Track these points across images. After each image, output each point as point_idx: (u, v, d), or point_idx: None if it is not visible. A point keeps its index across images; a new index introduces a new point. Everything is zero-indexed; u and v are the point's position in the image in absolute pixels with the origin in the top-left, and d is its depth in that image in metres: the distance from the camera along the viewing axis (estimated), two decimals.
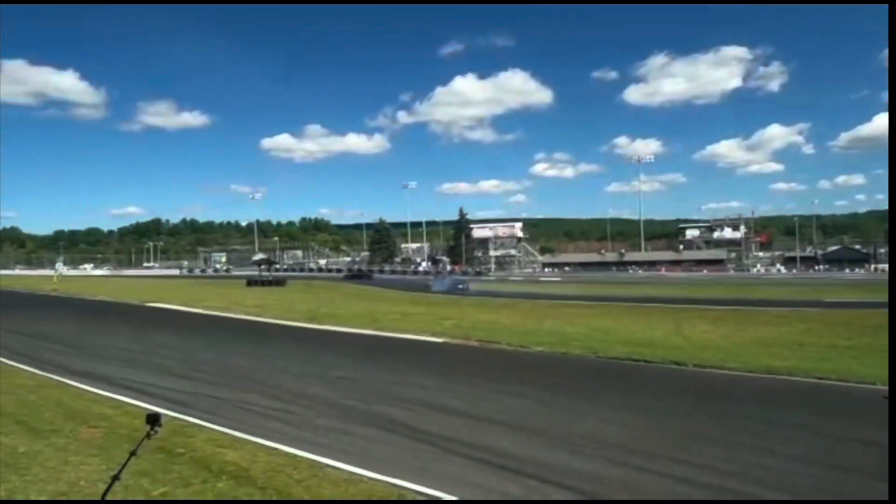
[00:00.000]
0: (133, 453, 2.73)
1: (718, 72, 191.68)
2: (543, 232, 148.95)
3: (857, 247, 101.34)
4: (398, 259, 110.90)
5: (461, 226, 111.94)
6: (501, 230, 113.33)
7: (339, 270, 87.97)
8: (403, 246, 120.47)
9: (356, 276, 74.28)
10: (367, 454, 6.73)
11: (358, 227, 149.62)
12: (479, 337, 16.85)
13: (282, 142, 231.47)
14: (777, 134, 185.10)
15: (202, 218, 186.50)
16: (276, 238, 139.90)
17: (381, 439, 7.44)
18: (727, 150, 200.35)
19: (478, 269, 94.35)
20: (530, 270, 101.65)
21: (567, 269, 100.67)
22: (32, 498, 5.26)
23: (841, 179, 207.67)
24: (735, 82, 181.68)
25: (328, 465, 6.26)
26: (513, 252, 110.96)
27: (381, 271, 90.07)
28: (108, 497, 2.59)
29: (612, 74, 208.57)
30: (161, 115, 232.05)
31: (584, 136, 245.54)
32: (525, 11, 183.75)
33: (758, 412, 8.92)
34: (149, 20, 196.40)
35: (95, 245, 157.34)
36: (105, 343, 16.19)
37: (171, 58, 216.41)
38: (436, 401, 9.59)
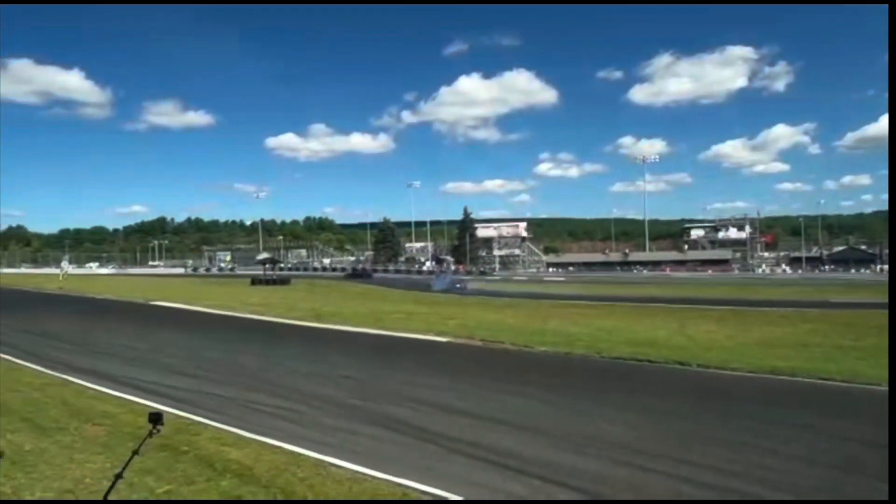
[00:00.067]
0: (136, 452, 2.75)
1: (724, 71, 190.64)
2: (548, 232, 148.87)
3: (863, 247, 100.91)
4: (402, 258, 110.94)
5: (465, 225, 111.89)
6: (506, 230, 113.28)
7: (343, 269, 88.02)
8: (408, 245, 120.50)
9: (356, 275, 74.33)
10: (371, 453, 6.75)
11: (362, 226, 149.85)
12: (483, 337, 16.84)
13: (286, 141, 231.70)
14: (783, 134, 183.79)
15: (207, 217, 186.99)
16: (281, 237, 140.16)
17: (385, 438, 7.45)
18: (732, 150, 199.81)
19: (482, 269, 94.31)
20: (534, 270, 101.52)
21: (571, 269, 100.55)
22: (38, 495, 5.29)
23: (847, 179, 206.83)
24: (740, 82, 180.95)
25: (332, 464, 6.28)
26: (517, 252, 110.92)
27: (386, 270, 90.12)
28: (112, 494, 2.60)
29: (617, 74, 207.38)
30: (166, 114, 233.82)
31: (589, 135, 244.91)
32: (530, 11, 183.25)
33: (761, 412, 8.89)
34: (154, 20, 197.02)
35: (101, 244, 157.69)
36: (110, 341, 16.25)
37: (177, 57, 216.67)
38: (440, 400, 9.60)
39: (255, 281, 50.46)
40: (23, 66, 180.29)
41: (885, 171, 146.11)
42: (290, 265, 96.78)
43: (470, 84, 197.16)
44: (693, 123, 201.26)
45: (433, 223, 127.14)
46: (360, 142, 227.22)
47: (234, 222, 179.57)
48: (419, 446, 7.13)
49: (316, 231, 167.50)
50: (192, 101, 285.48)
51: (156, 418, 2.81)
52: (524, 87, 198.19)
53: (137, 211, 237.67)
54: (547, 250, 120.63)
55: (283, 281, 51.64)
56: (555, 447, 7.11)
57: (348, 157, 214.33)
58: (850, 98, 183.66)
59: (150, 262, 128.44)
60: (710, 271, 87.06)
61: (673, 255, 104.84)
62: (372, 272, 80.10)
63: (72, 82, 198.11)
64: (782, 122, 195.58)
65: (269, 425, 7.86)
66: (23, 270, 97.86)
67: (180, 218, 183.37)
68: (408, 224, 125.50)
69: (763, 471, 6.26)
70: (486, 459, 6.56)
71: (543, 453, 6.81)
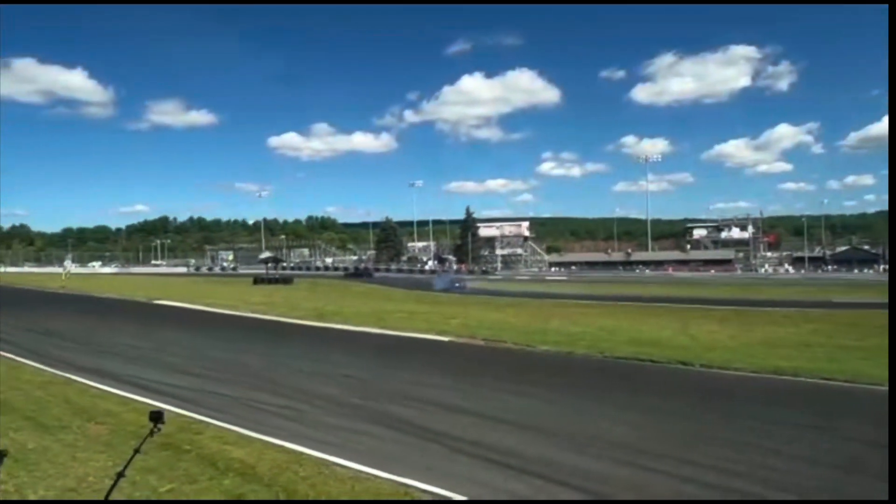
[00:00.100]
0: (137, 450, 2.76)
1: (727, 71, 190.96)
2: (550, 231, 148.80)
3: (867, 247, 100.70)
4: (405, 258, 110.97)
5: (468, 225, 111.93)
6: (508, 229, 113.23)
7: (345, 269, 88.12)
8: (410, 245, 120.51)
9: (356, 274, 74.51)
10: (373, 452, 6.75)
11: (364, 225, 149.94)
12: (484, 336, 16.83)
13: (289, 140, 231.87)
14: (786, 133, 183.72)
15: (209, 216, 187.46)
16: (283, 236, 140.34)
17: (387, 437, 7.45)
18: (735, 149, 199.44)
19: (484, 268, 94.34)
20: (536, 269, 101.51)
21: (573, 268, 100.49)
22: (41, 493, 5.30)
23: (850, 179, 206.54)
24: (744, 81, 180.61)
25: (334, 463, 6.28)
26: (519, 251, 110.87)
27: (388, 270, 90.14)
28: (115, 493, 2.61)
29: (620, 74, 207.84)
30: (169, 113, 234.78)
31: (592, 135, 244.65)
32: (533, 10, 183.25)
33: (764, 412, 8.88)
34: (157, 19, 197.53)
35: (103, 243, 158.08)
36: (112, 340, 16.28)
37: (179, 56, 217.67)
38: (442, 399, 9.60)
39: (258, 280, 50.54)
40: (26, 66, 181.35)
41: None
42: (292, 264, 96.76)
43: (472, 83, 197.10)
44: (696, 123, 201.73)
45: (435, 222, 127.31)
46: (362, 141, 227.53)
47: (236, 221, 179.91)
48: (421, 445, 7.13)
49: (318, 230, 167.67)
50: (194, 100, 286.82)
51: (157, 417, 2.81)
52: (527, 87, 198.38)
53: (140, 210, 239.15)
54: (549, 250, 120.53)
55: (286, 280, 51.68)
56: (557, 447, 7.11)
57: (351, 157, 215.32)
58: (854, 97, 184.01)
59: (153, 262, 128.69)
60: (712, 271, 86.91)
61: (675, 255, 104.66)
62: (373, 271, 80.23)
63: (75, 81, 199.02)
64: (785, 122, 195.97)
65: (271, 424, 7.86)
66: (26, 269, 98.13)
67: (183, 217, 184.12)
68: (410, 223, 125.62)
69: (766, 471, 6.25)
70: (488, 459, 6.56)
71: (545, 453, 6.80)
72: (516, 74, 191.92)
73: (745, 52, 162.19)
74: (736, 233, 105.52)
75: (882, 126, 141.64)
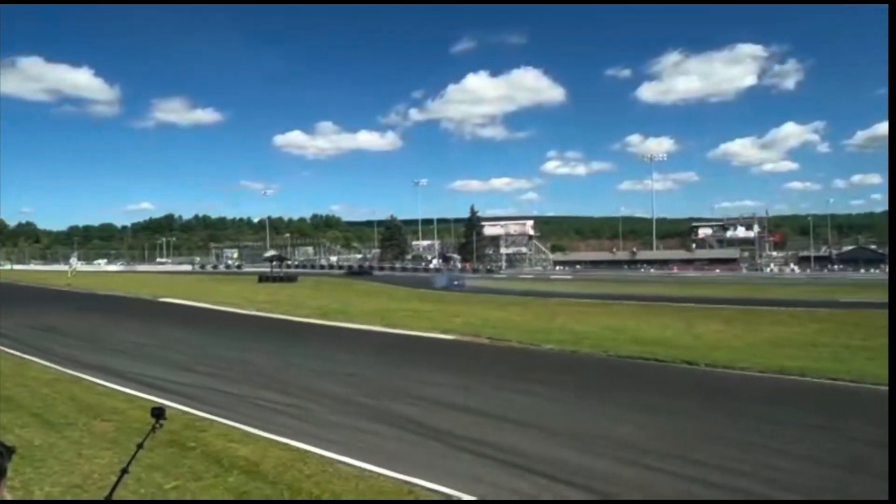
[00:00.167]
0: (140, 446, 2.76)
1: (733, 69, 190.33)
2: (555, 230, 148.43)
3: (873, 247, 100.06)
4: (409, 256, 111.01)
5: (472, 223, 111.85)
6: (512, 228, 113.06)
7: (349, 267, 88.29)
8: (414, 243, 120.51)
9: (356, 272, 74.78)
10: (377, 450, 6.75)
11: (369, 224, 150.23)
12: (489, 334, 16.85)
13: (294, 139, 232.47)
14: (792, 132, 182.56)
15: (214, 214, 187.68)
16: (288, 235, 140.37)
17: (391, 436, 7.46)
18: (741, 148, 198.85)
19: (488, 267, 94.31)
20: (541, 268, 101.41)
21: (578, 267, 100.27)
22: (47, 489, 5.32)
23: (857, 178, 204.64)
24: (750, 80, 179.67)
25: (338, 461, 6.29)
26: (524, 250, 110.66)
27: (393, 268, 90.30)
28: (120, 489, 2.61)
29: (626, 72, 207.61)
30: (174, 111, 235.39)
31: (597, 134, 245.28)
32: (537, 9, 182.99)
33: (769, 412, 8.85)
34: (163, 18, 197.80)
35: (109, 240, 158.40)
36: (118, 337, 16.34)
37: (185, 55, 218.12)
38: (446, 398, 9.60)
39: (262, 278, 50.64)
40: (33, 64, 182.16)
41: None
42: (296, 263, 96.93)
43: (477, 82, 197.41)
44: (701, 122, 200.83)
45: (440, 221, 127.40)
46: (367, 140, 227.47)
47: (241, 220, 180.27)
48: (425, 444, 7.13)
49: (323, 229, 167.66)
50: (199, 98, 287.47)
51: (159, 412, 2.82)
52: (532, 85, 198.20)
53: (146, 208, 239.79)
54: (554, 248, 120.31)
55: (290, 278, 51.78)
56: (561, 445, 7.10)
57: (355, 155, 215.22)
58: (861, 96, 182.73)
59: (158, 259, 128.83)
60: (717, 270, 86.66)
61: (680, 254, 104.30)
62: (371, 270, 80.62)
63: (81, 80, 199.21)
64: (792, 121, 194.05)
65: (275, 422, 7.88)
66: (32, 267, 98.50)
67: (188, 215, 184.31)
68: (415, 222, 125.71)
69: (771, 471, 6.23)
70: (491, 457, 6.56)
71: (549, 451, 6.80)
72: (521, 73, 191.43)
73: (751, 50, 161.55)
74: (741, 232, 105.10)
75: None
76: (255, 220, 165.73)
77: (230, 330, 19.32)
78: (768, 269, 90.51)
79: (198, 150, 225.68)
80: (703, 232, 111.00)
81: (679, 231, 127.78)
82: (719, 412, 9.07)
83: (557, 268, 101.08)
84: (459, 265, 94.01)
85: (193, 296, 30.91)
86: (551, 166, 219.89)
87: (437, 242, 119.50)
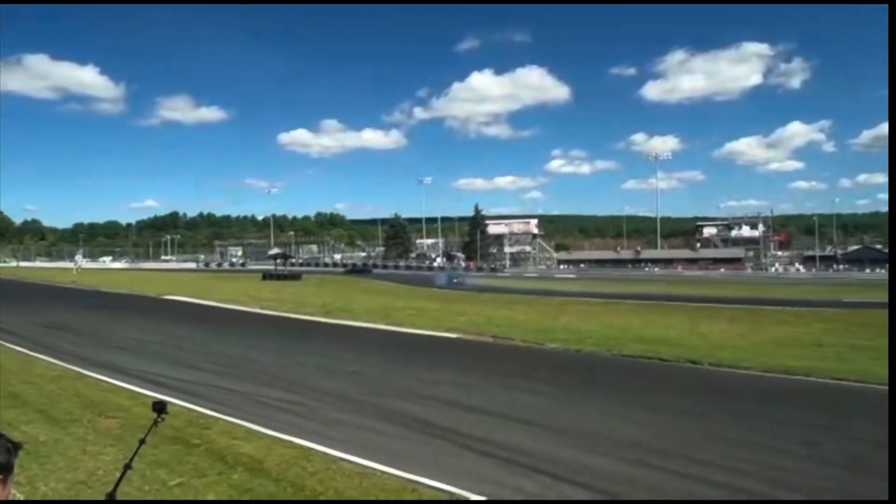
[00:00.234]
0: (142, 441, 2.77)
1: (738, 68, 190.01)
2: (559, 229, 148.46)
3: (879, 246, 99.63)
4: (413, 255, 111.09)
5: (476, 222, 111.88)
6: (517, 226, 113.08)
7: (354, 265, 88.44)
8: (419, 241, 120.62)
9: (356, 270, 75.04)
10: (380, 448, 6.76)
11: (373, 222, 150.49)
12: (493, 333, 16.84)
13: (298, 137, 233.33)
14: (798, 131, 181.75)
15: (219, 212, 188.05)
16: (292, 233, 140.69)
17: (394, 434, 7.47)
18: (746, 147, 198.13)
19: (493, 266, 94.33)
20: (545, 267, 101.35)
21: (582, 266, 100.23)
22: (52, 485, 5.34)
23: (862, 178, 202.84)
24: (755, 79, 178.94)
25: (342, 459, 6.30)
26: (528, 248, 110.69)
27: (397, 267, 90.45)
28: (124, 486, 2.61)
29: (630, 71, 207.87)
30: (179, 109, 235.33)
31: (601, 132, 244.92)
32: (542, 7, 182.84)
33: (774, 412, 8.83)
34: (168, 16, 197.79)
35: (114, 238, 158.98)
36: (122, 334, 16.38)
37: (189, 53, 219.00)
38: (449, 396, 9.60)
39: (267, 276, 50.64)
40: (38, 62, 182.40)
41: None
42: (300, 261, 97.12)
43: (482, 80, 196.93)
44: (707, 120, 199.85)
45: (444, 219, 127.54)
46: (371, 138, 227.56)
47: (245, 218, 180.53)
48: (429, 442, 7.14)
49: (327, 227, 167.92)
50: (204, 96, 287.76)
51: (160, 407, 2.83)
52: (536, 84, 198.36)
53: (150, 206, 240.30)
54: (558, 247, 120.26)
55: (294, 276, 51.81)
56: (565, 444, 7.10)
57: (360, 154, 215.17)
58: (867, 96, 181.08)
59: (163, 257, 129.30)
60: (722, 270, 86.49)
61: (685, 253, 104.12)
62: (371, 268, 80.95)
63: (86, 78, 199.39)
64: (797, 120, 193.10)
65: (279, 419, 7.90)
66: (38, 264, 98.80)
67: (192, 213, 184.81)
68: (419, 220, 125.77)
69: (774, 471, 6.22)
70: (495, 456, 6.56)
71: (553, 450, 6.80)
72: (526, 71, 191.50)
73: (757, 49, 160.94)
74: (746, 231, 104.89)
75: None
76: (260, 218, 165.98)
77: (234, 327, 19.34)
78: (773, 269, 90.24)
79: (202, 148, 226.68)
80: (708, 231, 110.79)
81: (683, 230, 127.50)
82: (723, 412, 9.05)
83: (561, 267, 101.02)
84: (463, 264, 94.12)
85: (198, 293, 30.97)
86: (556, 165, 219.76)
87: (441, 241, 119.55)
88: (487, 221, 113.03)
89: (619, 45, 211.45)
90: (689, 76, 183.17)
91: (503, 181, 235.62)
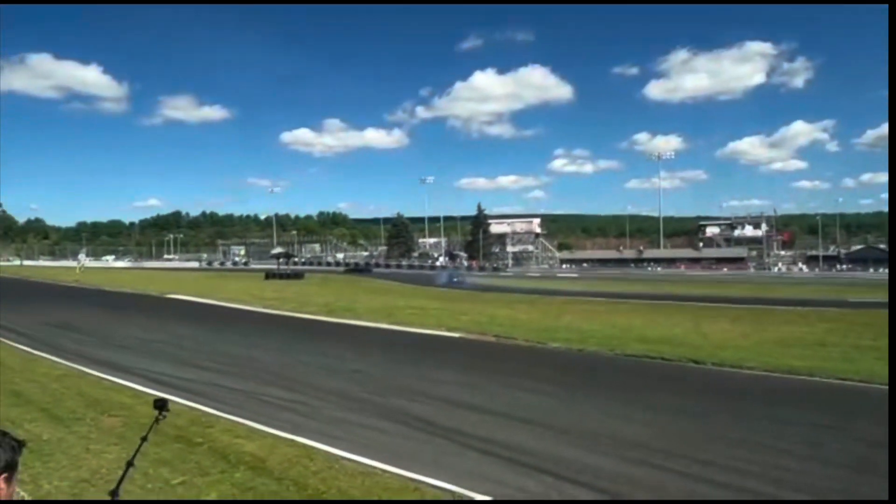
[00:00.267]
0: (144, 438, 2.77)
1: (742, 67, 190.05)
2: (561, 228, 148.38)
3: (882, 246, 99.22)
4: (416, 254, 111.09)
5: (479, 221, 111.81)
6: (519, 226, 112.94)
7: (356, 264, 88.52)
8: (421, 241, 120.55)
9: (355, 269, 75.21)
10: (382, 447, 6.77)
11: (376, 221, 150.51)
12: (496, 333, 16.83)
13: (301, 136, 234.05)
14: (801, 131, 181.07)
15: (222, 211, 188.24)
16: (295, 232, 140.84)
17: (396, 433, 7.47)
18: (749, 146, 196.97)
19: (495, 265, 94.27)
20: (547, 266, 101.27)
21: (585, 265, 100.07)
22: (55, 483, 5.36)
23: (866, 177, 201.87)
24: (759, 78, 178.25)
25: (344, 458, 6.31)
26: (530, 248, 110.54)
27: (399, 266, 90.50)
28: (127, 483, 2.62)
29: (633, 70, 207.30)
30: (182, 109, 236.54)
31: (604, 132, 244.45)
32: (545, 6, 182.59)
33: (777, 412, 8.81)
34: (171, 15, 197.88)
35: (117, 237, 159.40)
36: (125, 333, 16.41)
37: (193, 53, 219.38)
38: (452, 395, 9.60)
39: (269, 275, 50.71)
40: (42, 61, 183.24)
41: None
42: (303, 260, 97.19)
43: (484, 79, 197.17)
44: (710, 120, 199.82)
45: (446, 219, 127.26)
46: (374, 137, 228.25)
47: (248, 217, 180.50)
48: (431, 441, 7.14)
49: (329, 226, 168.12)
50: (207, 95, 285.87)
51: (161, 404, 2.84)
52: (539, 83, 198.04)
53: (153, 205, 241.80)
54: (561, 247, 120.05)
55: (297, 275, 51.85)
56: (567, 444, 7.09)
57: (362, 153, 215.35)
58: (870, 95, 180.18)
59: (166, 256, 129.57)
60: (725, 269, 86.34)
61: (688, 253, 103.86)
62: (371, 267, 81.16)
63: (89, 77, 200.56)
64: (801, 119, 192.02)
65: (282, 418, 7.91)
66: (41, 263, 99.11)
67: (195, 212, 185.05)
68: (421, 220, 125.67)
69: (778, 471, 6.21)
70: (498, 455, 6.56)
71: (556, 449, 6.79)
72: (528, 71, 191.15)
73: (760, 48, 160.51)
74: (749, 231, 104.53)
75: None
76: (262, 217, 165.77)
77: (237, 326, 19.36)
78: (776, 269, 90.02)
79: (205, 148, 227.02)
80: (711, 231, 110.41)
81: (686, 230, 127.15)
82: (726, 412, 9.02)
83: (564, 266, 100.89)
84: (466, 263, 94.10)
85: (201, 292, 31.02)
86: (558, 164, 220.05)
87: (443, 240, 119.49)
88: (490, 221, 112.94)
89: (621, 45, 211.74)
90: (692, 75, 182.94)
91: (506, 180, 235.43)
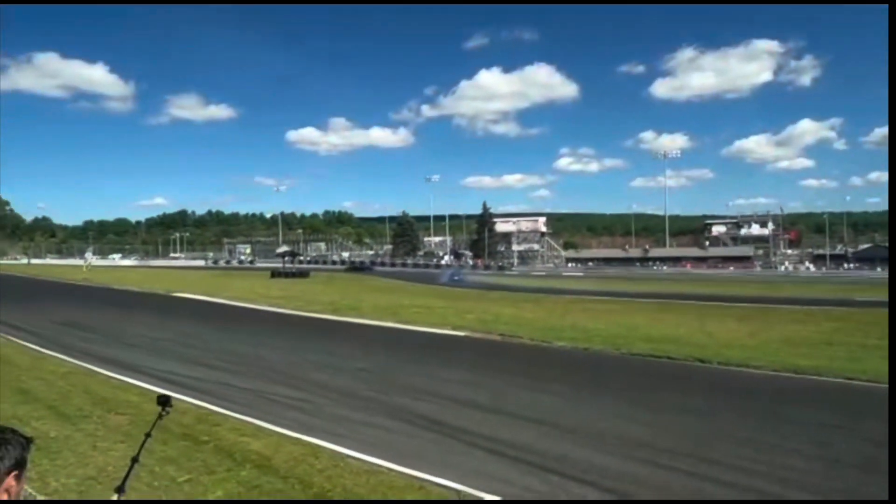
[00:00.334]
0: (148, 434, 2.78)
1: (748, 66, 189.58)
2: (567, 227, 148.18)
3: None
4: (421, 252, 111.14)
5: (484, 220, 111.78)
6: (524, 224, 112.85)
7: (361, 263, 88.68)
8: (426, 239, 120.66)
9: (357, 268, 75.38)
10: (388, 446, 6.77)
11: (381, 220, 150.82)
12: (501, 331, 16.82)
13: (307, 135, 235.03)
14: (808, 129, 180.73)
15: (228, 210, 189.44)
16: (300, 230, 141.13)
17: (402, 431, 7.47)
18: (756, 145, 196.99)
19: (500, 264, 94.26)
20: (553, 265, 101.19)
21: (590, 264, 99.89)
22: (62, 481, 5.38)
23: (874, 176, 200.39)
24: (765, 76, 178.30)
25: (349, 456, 6.31)
26: (536, 247, 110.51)
27: (405, 264, 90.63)
28: (132, 481, 2.62)
29: (639, 68, 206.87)
30: (188, 108, 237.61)
31: (610, 130, 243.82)
32: (551, 4, 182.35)
33: (783, 411, 8.77)
34: (177, 15, 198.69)
35: (123, 235, 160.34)
36: (132, 331, 16.47)
37: (199, 52, 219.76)
38: (457, 394, 9.60)
39: (275, 274, 50.84)
40: (49, 60, 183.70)
41: None
42: (309, 258, 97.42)
43: (490, 78, 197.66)
44: (716, 118, 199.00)
45: (452, 217, 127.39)
46: (379, 136, 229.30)
47: (254, 215, 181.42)
48: (437, 440, 7.14)
49: (335, 225, 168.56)
50: (213, 94, 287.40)
51: (164, 400, 2.85)
52: (544, 82, 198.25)
53: (159, 203, 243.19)
54: (566, 245, 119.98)
55: (303, 274, 51.97)
56: (573, 443, 7.08)
57: (368, 152, 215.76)
58: (878, 93, 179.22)
59: (172, 254, 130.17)
60: (731, 268, 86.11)
61: (694, 252, 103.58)
62: (372, 266, 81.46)
63: (96, 76, 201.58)
64: (808, 118, 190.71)
65: (287, 417, 7.93)
66: (48, 261, 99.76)
67: (201, 211, 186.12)
68: (426, 218, 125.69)
69: (784, 470, 6.18)
70: (503, 454, 6.55)
71: (561, 448, 6.78)
72: (534, 69, 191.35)
73: (767, 46, 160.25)
74: (756, 229, 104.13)
75: None
76: (268, 215, 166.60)
77: (243, 325, 19.41)
78: (783, 268, 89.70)
79: (211, 146, 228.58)
80: (717, 229, 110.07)
81: (692, 228, 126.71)
82: (732, 411, 8.99)
83: (569, 265, 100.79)
84: (471, 262, 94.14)
85: (207, 291, 31.11)
86: (564, 163, 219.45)
87: (448, 239, 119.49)
88: (495, 219, 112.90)
89: (627, 43, 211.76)
90: (699, 74, 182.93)
91: (511, 179, 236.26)
